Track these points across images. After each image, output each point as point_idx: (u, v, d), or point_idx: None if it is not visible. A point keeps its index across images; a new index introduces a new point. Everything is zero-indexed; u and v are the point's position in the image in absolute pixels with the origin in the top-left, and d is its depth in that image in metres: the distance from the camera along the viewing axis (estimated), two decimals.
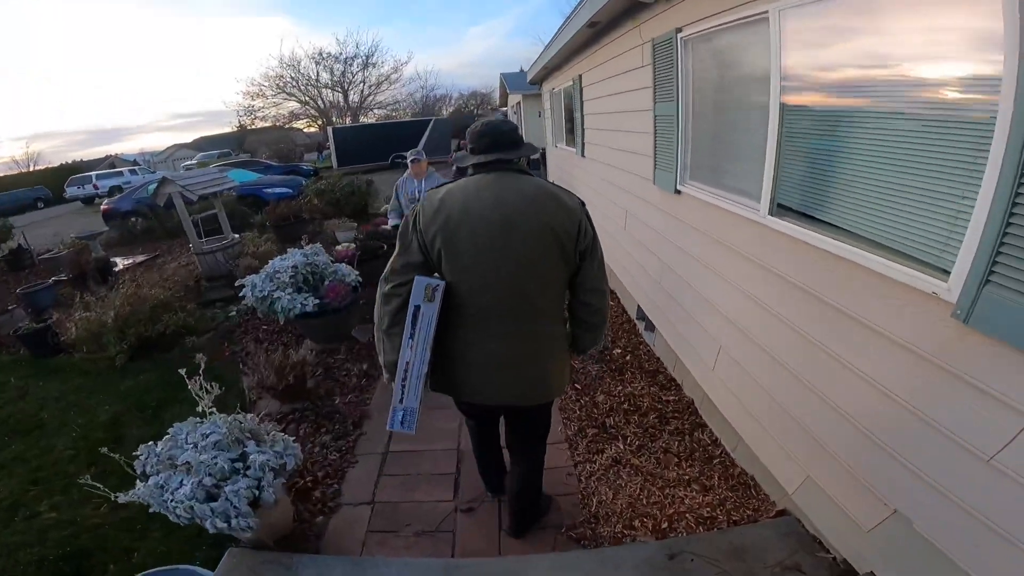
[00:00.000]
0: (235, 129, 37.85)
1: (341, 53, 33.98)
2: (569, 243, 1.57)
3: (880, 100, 1.55)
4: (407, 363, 1.57)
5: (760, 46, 2.04)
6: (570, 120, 6.79)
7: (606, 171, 4.87)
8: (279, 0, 57.43)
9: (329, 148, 22.95)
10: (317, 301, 3.77)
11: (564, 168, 7.49)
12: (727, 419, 2.57)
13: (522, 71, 9.74)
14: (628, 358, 3.67)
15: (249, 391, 3.46)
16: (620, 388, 3.26)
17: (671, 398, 3.11)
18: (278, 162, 21.49)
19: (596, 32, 4.55)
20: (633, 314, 4.23)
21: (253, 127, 36.06)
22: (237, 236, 6.51)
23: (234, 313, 5.00)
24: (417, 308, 1.52)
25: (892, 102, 1.50)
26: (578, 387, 3.30)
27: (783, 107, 1.96)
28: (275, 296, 3.71)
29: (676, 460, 2.56)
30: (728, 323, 2.52)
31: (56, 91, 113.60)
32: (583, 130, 5.74)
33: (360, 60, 34.38)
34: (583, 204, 1.65)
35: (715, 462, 2.53)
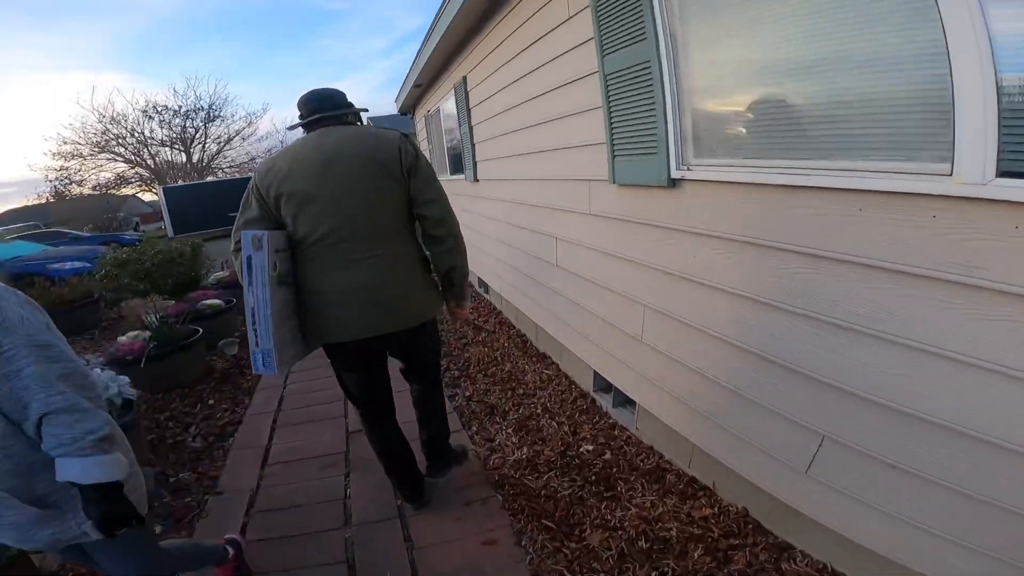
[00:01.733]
0: (50, 198, 31.25)
1: (180, 106, 29.96)
2: (392, 164, 1.67)
3: None
4: (252, 308, 1.58)
5: None
6: (452, 142, 5.55)
7: (515, 190, 3.66)
8: (118, 57, 50.76)
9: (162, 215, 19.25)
10: None
11: (455, 204, 6.15)
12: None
13: (397, 111, 8.32)
14: (608, 456, 2.32)
15: None
16: (621, 513, 1.93)
17: (710, 514, 1.84)
18: (94, 232, 17.57)
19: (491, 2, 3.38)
20: (589, 386, 2.90)
21: (70, 195, 30.01)
22: None
23: None
24: (249, 258, 1.55)
25: None
26: (550, 525, 1.90)
27: None
28: None
29: None
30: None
31: None
32: (472, 147, 4.51)
33: (203, 114, 30.56)
34: (404, 135, 1.74)
35: None
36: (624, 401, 2.56)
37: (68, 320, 5.56)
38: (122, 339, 3.54)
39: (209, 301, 4.45)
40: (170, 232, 17.32)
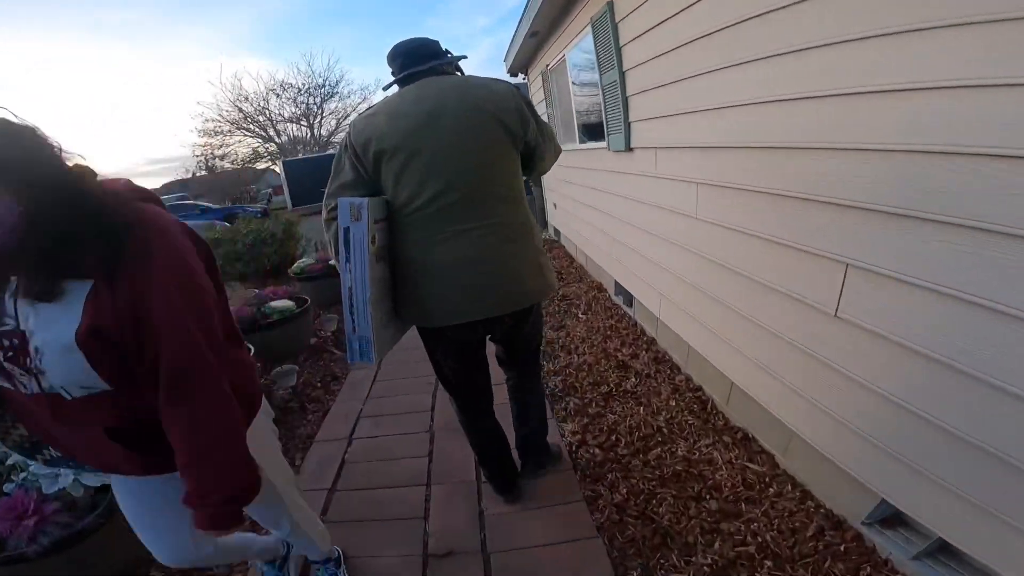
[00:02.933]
0: (196, 173, 34.78)
1: (304, 84, 31.37)
2: (507, 116, 1.46)
3: None
4: (349, 288, 1.40)
5: None
6: (584, 103, 4.19)
7: (729, 164, 2.18)
8: (253, 42, 55.59)
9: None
10: None
11: (577, 189, 4.83)
12: None
13: (506, 73, 7.05)
14: None
15: None
16: None
17: None
18: (224, 204, 18.67)
19: None
20: (858, 511, 1.52)
21: (219, 169, 33.04)
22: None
23: None
24: (347, 231, 1.38)
25: None
26: None
27: None
28: None
29: None
30: None
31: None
32: (624, 102, 3.11)
33: (321, 91, 31.76)
34: (515, 86, 1.52)
35: None
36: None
37: None
38: None
39: (276, 303, 3.58)
40: (289, 204, 17.96)
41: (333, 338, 4.09)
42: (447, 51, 1.58)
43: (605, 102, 3.41)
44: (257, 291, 3.95)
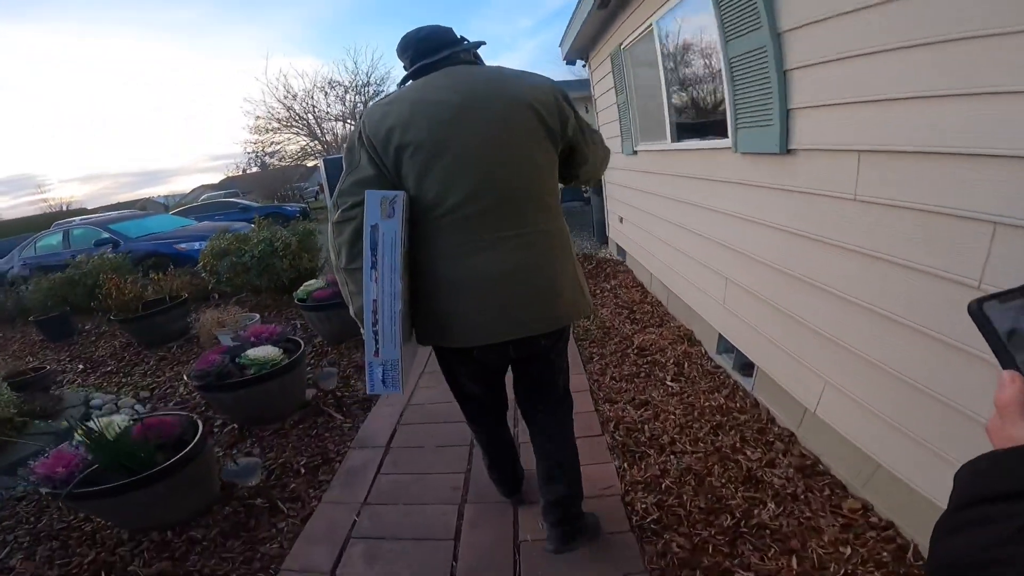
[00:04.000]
0: (246, 170, 35.35)
1: (352, 82, 31.15)
2: (547, 112, 1.27)
3: None
4: (374, 301, 1.20)
5: None
6: (681, 86, 3.08)
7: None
8: (303, 41, 56.79)
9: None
10: None
11: (659, 202, 3.73)
12: None
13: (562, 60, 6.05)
14: None
15: None
16: None
17: None
18: (266, 202, 18.33)
19: None
20: None
21: (273, 167, 33.49)
22: None
23: None
24: (375, 228, 1.17)
25: None
26: None
27: None
28: None
29: None
30: None
31: (108, 133, 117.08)
32: (780, 77, 1.96)
33: (369, 89, 31.47)
34: (552, 80, 1.34)
35: None
36: None
37: (151, 328, 4.33)
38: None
39: (256, 352, 2.63)
40: (328, 202, 17.37)
41: (334, 398, 3.11)
42: (463, 38, 1.40)
43: (732, 82, 2.27)
44: (234, 334, 3.02)
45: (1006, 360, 0.34)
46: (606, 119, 5.13)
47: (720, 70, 2.38)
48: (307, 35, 56.91)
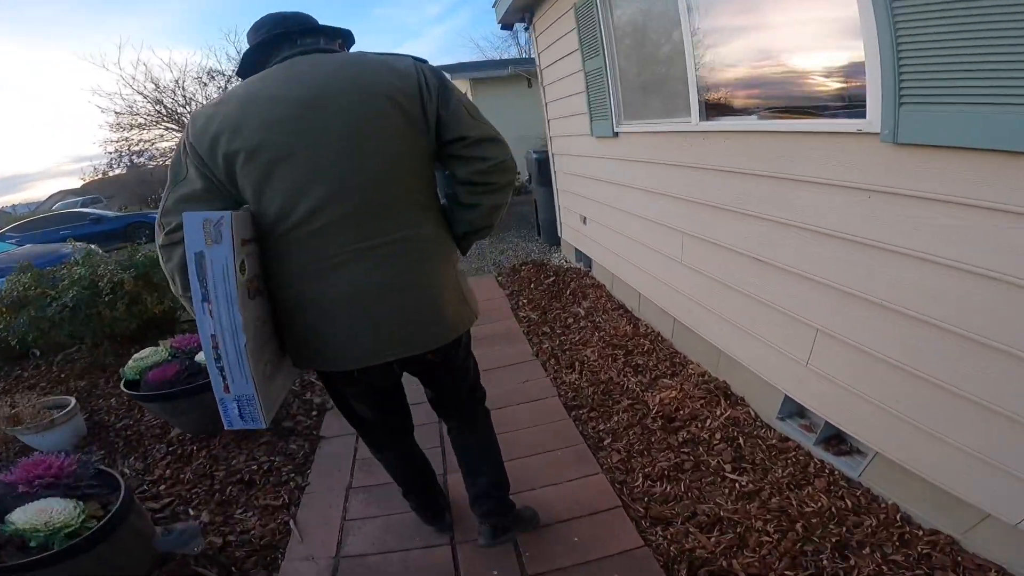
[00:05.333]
0: (107, 172, 30.31)
1: (236, 70, 27.48)
2: (410, 100, 1.11)
3: None
4: (212, 336, 1.06)
5: None
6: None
7: None
8: (181, 34, 50.38)
9: None
10: None
11: (663, 203, 2.75)
12: None
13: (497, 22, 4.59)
14: None
15: None
16: None
17: None
18: (132, 209, 15.41)
19: None
20: None
21: (142, 167, 28.92)
22: None
23: None
24: (200, 256, 1.01)
25: None
26: None
27: None
28: None
29: None
30: None
31: None
32: None
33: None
34: (418, 59, 1.18)
35: None
36: None
37: None
38: None
39: (23, 514, 1.35)
40: None
41: (212, 552, 1.80)
42: (323, 27, 1.24)
43: (894, 23, 1.24)
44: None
45: None
46: (561, 92, 4.01)
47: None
48: (185, 30, 50.75)
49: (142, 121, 26.16)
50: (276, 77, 1.10)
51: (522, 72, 9.02)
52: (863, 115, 1.40)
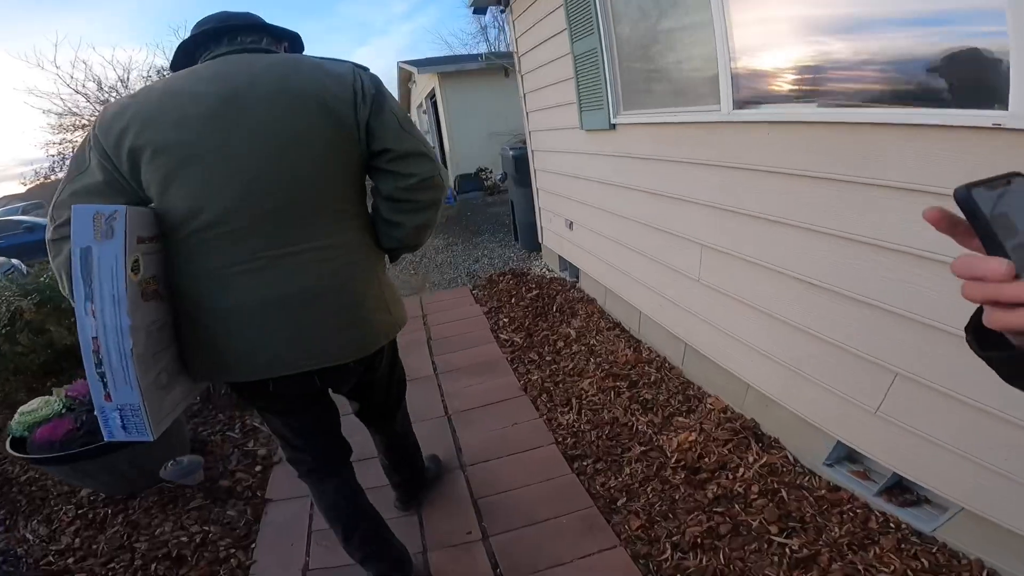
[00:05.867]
0: (46, 179, 28.29)
1: None
2: (343, 108, 1.08)
3: None
4: (94, 339, 0.98)
5: None
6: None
7: None
8: (134, 32, 47.96)
9: None
10: None
11: (669, 207, 2.34)
12: None
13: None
14: None
15: None
16: None
17: None
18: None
19: None
20: None
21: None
22: None
23: None
24: (87, 251, 0.96)
25: None
26: None
27: None
28: None
29: None
30: None
31: None
32: None
33: None
34: (358, 65, 1.16)
35: None
36: None
37: None
38: None
39: None
40: None
41: None
42: (276, 27, 1.23)
43: None
44: None
45: (993, 246, 0.32)
46: (543, 81, 3.55)
47: None
48: (137, 29, 48.33)
49: (85, 122, 24.56)
50: (202, 73, 1.07)
51: (501, 63, 8.59)
52: (991, 106, 1.02)
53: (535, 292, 3.88)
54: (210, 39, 1.13)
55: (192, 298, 1.10)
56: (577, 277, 3.89)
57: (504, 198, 8.90)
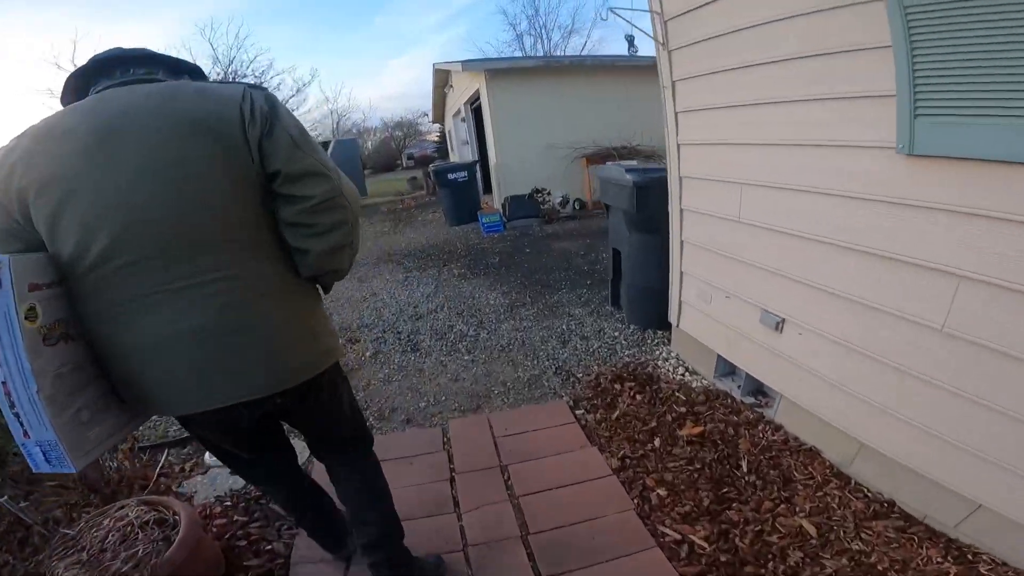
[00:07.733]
0: None
1: (222, 73, 25.34)
2: (230, 130, 1.01)
3: None
4: (3, 383, 0.98)
5: None
6: None
7: None
8: (189, 43, 48.79)
9: None
10: None
11: None
12: None
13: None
14: None
15: None
16: None
17: None
18: None
19: None
20: None
21: None
22: None
23: None
24: None
25: None
26: None
27: None
28: None
29: None
30: None
31: None
32: None
33: (250, 79, 26.09)
34: (253, 85, 1.08)
35: None
36: None
37: None
38: None
39: None
40: None
41: None
42: (172, 59, 1.17)
43: None
44: None
45: None
46: (758, 54, 2.04)
47: None
48: (188, 37, 49.08)
49: None
50: (82, 108, 1.03)
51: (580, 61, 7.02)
52: None
53: (689, 420, 2.34)
54: (100, 72, 1.08)
55: (101, 336, 1.04)
56: (756, 395, 2.36)
57: (567, 228, 7.17)
